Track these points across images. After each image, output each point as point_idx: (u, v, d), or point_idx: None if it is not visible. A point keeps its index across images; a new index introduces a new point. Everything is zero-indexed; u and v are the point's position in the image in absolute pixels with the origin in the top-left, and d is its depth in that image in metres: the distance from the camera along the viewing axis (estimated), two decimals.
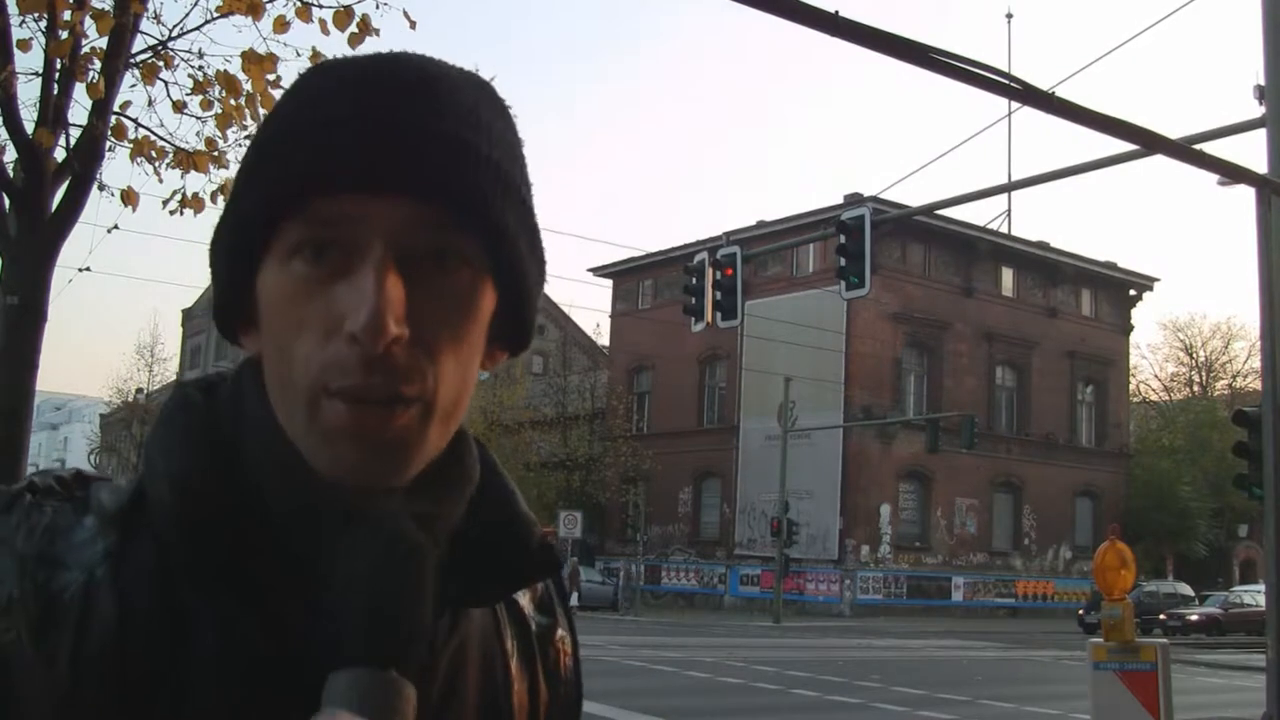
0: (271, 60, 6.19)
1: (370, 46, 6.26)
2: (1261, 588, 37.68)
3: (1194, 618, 35.99)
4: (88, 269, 7.63)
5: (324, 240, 0.74)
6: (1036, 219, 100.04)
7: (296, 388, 0.75)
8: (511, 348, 0.86)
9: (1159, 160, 9.75)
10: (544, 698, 0.94)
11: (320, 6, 6.18)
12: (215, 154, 6.61)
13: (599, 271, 49.77)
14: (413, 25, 6.38)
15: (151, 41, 6.55)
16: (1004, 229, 41.13)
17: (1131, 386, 53.30)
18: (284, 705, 0.72)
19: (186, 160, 6.57)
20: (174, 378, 55.10)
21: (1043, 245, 45.39)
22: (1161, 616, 36.15)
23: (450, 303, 0.77)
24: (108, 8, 5.93)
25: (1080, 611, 37.95)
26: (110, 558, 0.76)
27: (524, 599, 0.96)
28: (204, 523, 0.76)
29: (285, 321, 0.75)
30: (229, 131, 6.54)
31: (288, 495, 0.77)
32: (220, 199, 6.60)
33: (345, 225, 0.74)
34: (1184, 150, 9.02)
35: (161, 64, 6.57)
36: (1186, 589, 40.55)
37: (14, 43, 5.86)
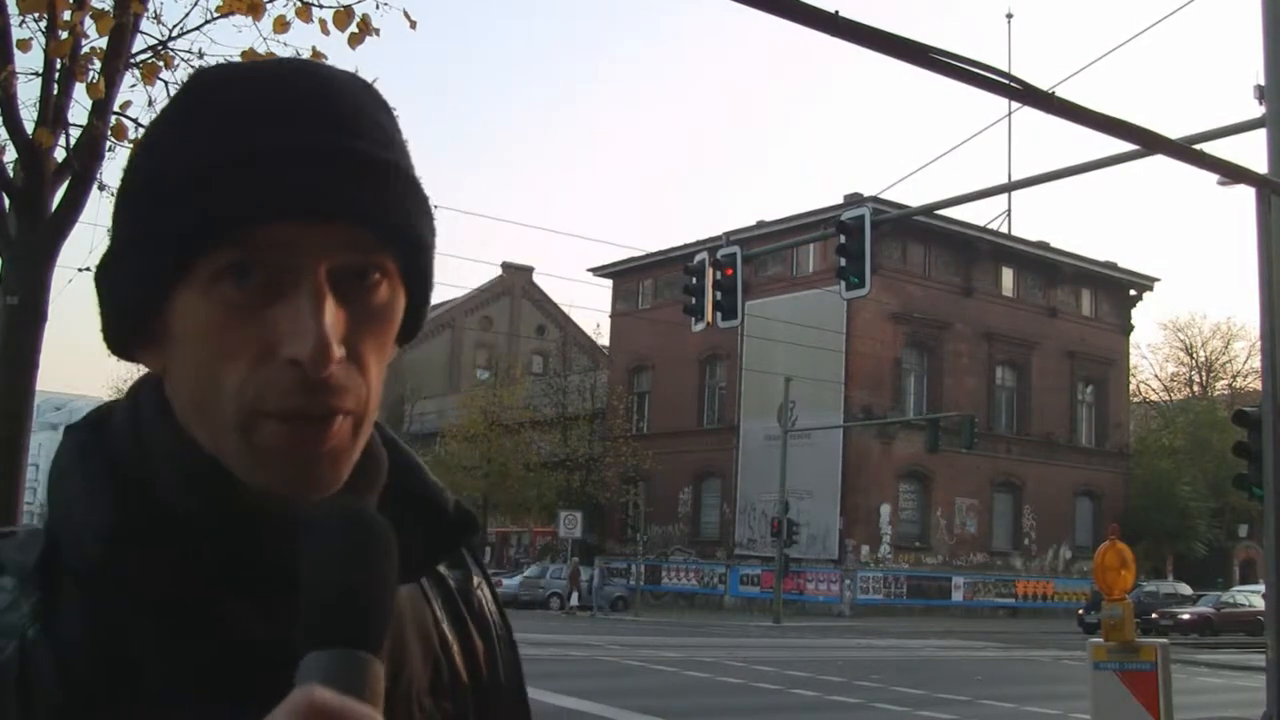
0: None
1: (370, 46, 6.28)
2: (1256, 588, 37.76)
3: (1185, 617, 35.88)
4: (88, 269, 7.57)
5: (253, 265, 0.75)
6: (1036, 219, 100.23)
7: (225, 411, 0.75)
8: (405, 339, 0.87)
9: (1159, 160, 9.75)
10: (480, 648, 0.97)
11: (320, 6, 6.17)
12: None
13: (599, 271, 49.79)
14: (413, 25, 6.37)
15: (151, 41, 6.55)
16: (1004, 229, 41.14)
17: (1131, 386, 53.32)
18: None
19: None
20: None
21: (1043, 245, 45.41)
22: (1153, 616, 36.13)
23: (374, 316, 0.79)
24: (108, 8, 5.92)
25: (1080, 611, 37.91)
26: (39, 617, 0.75)
27: None
28: (133, 563, 0.75)
29: (209, 347, 0.75)
30: None
31: (220, 517, 0.77)
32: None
33: (277, 251, 0.74)
34: (1184, 150, 9.02)
35: (161, 64, 6.57)
36: (1186, 589, 40.52)
37: (14, 43, 5.86)
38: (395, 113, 0.83)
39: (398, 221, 0.78)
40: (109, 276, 0.81)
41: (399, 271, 0.80)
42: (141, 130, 6.45)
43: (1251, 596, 38.85)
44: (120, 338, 0.82)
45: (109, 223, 0.83)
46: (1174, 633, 33.60)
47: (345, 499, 0.78)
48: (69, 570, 0.77)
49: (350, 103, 0.79)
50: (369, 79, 0.84)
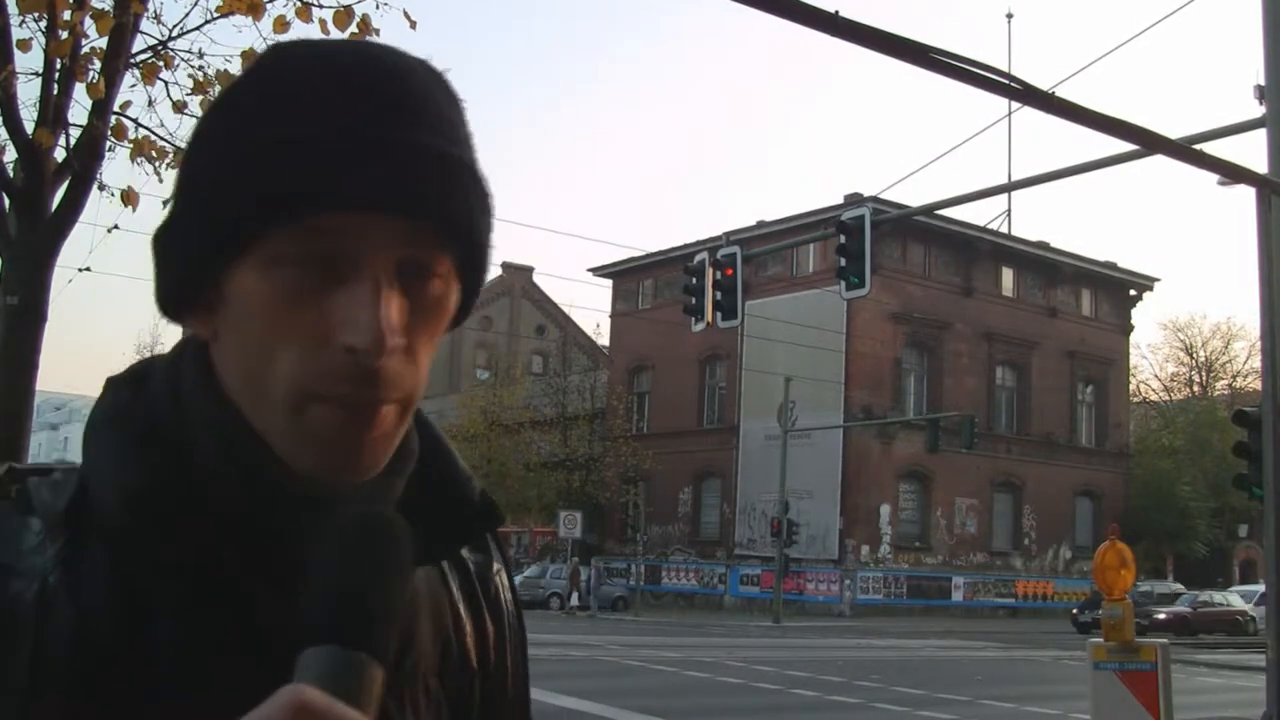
0: None
1: None
2: (1245, 589, 37.34)
3: (1161, 616, 35.35)
4: (88, 269, 7.59)
5: (318, 251, 0.75)
6: (1036, 219, 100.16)
7: (276, 391, 0.76)
8: (451, 326, 0.87)
9: (1159, 160, 9.75)
10: (491, 632, 0.98)
11: (320, 6, 6.18)
12: None
13: (599, 271, 49.78)
14: (413, 25, 6.38)
15: (151, 41, 6.55)
16: (1004, 229, 41.14)
17: (1131, 386, 53.32)
18: (257, 698, 0.72)
19: None
20: None
21: (1043, 245, 45.41)
22: (1097, 615, 35.63)
23: (429, 309, 0.80)
24: (108, 8, 5.92)
25: (1075, 611, 37.67)
26: (62, 563, 0.76)
27: None
28: (159, 525, 0.76)
29: (265, 326, 0.76)
30: None
31: (252, 490, 0.78)
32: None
33: (343, 239, 0.75)
34: (1184, 150, 9.02)
35: (161, 64, 6.57)
36: (1181, 589, 40.36)
37: (14, 43, 5.86)
38: (463, 104, 0.84)
39: (461, 219, 0.79)
40: (168, 240, 0.80)
41: (455, 265, 0.81)
42: (142, 130, 6.46)
43: (1230, 596, 38.43)
44: (171, 301, 0.82)
45: (172, 185, 0.83)
46: (1150, 633, 33.37)
47: (364, 499, 0.78)
48: (95, 520, 0.77)
49: (424, 94, 0.79)
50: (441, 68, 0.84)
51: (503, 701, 0.98)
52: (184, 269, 0.79)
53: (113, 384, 0.85)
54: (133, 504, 0.76)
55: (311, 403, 0.75)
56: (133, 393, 0.83)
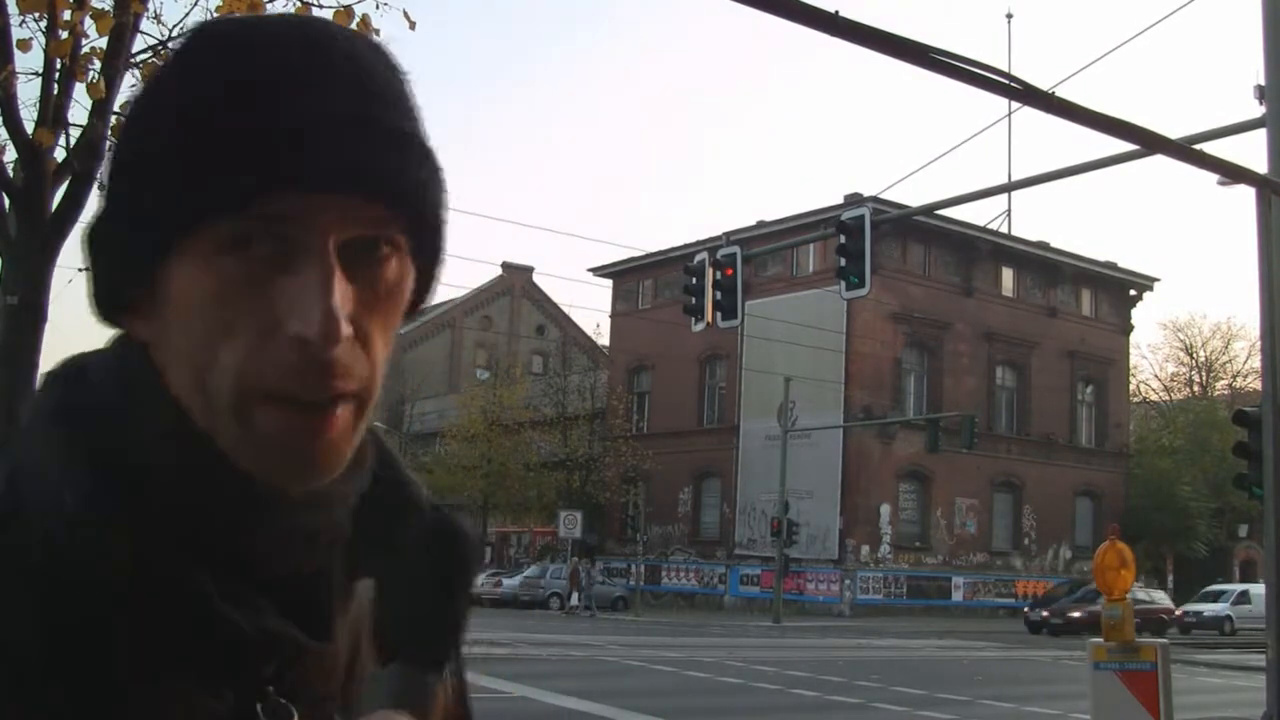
0: None
1: None
2: (1159, 593, 36.45)
3: (1076, 614, 33.92)
4: (88, 269, 7.58)
5: (254, 235, 0.71)
6: (1036, 219, 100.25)
7: (221, 390, 0.71)
8: (410, 314, 0.83)
9: (1159, 160, 9.76)
10: None
11: (320, 7, 6.19)
12: None
13: (599, 271, 49.79)
14: (412, 25, 6.39)
15: (151, 41, 6.57)
16: (1004, 229, 41.15)
17: (1131, 386, 53.34)
18: (207, 708, 0.68)
19: None
20: None
21: (1043, 245, 45.42)
22: (1044, 614, 35.05)
23: (382, 292, 0.75)
24: (108, 8, 5.93)
25: (1026, 610, 36.66)
26: None
27: None
28: (111, 539, 0.69)
29: (209, 320, 0.71)
30: None
31: (203, 493, 0.73)
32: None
33: (284, 222, 0.71)
34: (1184, 150, 9.03)
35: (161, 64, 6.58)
36: (1162, 595, 39.83)
37: (14, 43, 5.86)
38: (407, 75, 0.79)
39: (410, 194, 0.75)
40: (102, 237, 0.76)
41: (408, 244, 0.77)
42: None
43: (1155, 594, 37.29)
44: (110, 303, 0.77)
45: (104, 174, 0.78)
46: (1063, 635, 32.47)
47: (321, 501, 0.75)
48: (32, 523, 0.70)
49: (366, 67, 0.75)
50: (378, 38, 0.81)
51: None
52: (121, 264, 0.75)
53: (51, 379, 0.79)
54: (84, 503, 0.70)
55: (259, 403, 0.71)
56: (69, 390, 0.77)
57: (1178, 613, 37.74)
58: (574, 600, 37.67)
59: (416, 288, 0.80)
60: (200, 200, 0.70)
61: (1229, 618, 38.81)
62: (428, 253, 0.79)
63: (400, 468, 0.86)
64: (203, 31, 0.76)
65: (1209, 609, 38.80)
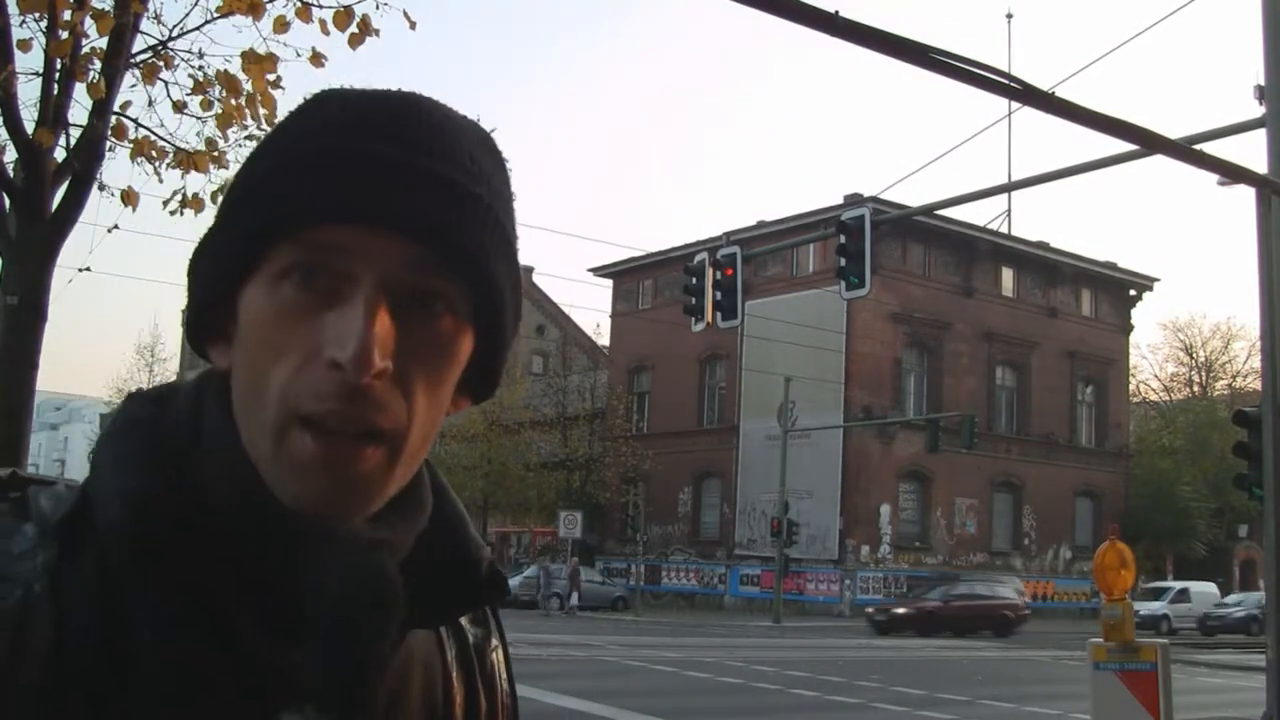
0: (271, 60, 6.19)
1: (370, 47, 6.27)
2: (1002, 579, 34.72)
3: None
4: (88, 269, 7.57)
5: (315, 267, 0.75)
6: (1036, 219, 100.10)
7: (265, 412, 0.74)
8: (476, 396, 0.86)
9: (1159, 160, 9.75)
10: (483, 707, 0.96)
11: (320, 7, 6.18)
12: (215, 154, 6.60)
13: (599, 271, 49.78)
14: (413, 26, 6.38)
15: (151, 41, 6.55)
16: (1004, 229, 41.10)
17: (1131, 386, 53.32)
18: None
19: (187, 160, 6.56)
20: (174, 378, 55.02)
21: (1043, 245, 45.41)
22: (869, 610, 33.90)
23: (432, 346, 0.77)
24: (108, 8, 5.92)
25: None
26: (49, 574, 0.73)
27: None
28: (159, 544, 0.74)
29: (264, 344, 0.75)
30: (229, 132, 6.53)
31: (247, 519, 0.76)
32: (220, 199, 6.57)
33: (338, 255, 0.74)
34: (1184, 150, 9.02)
35: (161, 64, 6.57)
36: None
37: (14, 43, 5.85)
38: (508, 164, 0.83)
39: (469, 252, 0.77)
40: (197, 264, 0.81)
41: (471, 314, 0.79)
42: (142, 130, 6.47)
43: (999, 588, 36.08)
44: (197, 330, 0.82)
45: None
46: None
47: (365, 545, 0.76)
48: (91, 533, 0.76)
49: (444, 130, 0.78)
50: (489, 129, 0.84)
51: None
52: (207, 290, 0.80)
53: (132, 399, 0.84)
54: (133, 507, 0.74)
55: (296, 427, 0.73)
56: (151, 411, 0.82)
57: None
58: (574, 600, 37.52)
59: (480, 367, 0.83)
60: (262, 225, 0.75)
61: (1166, 616, 38.58)
62: (489, 320, 0.81)
63: (463, 526, 0.89)
64: (318, 93, 0.81)
65: (1146, 607, 38.21)
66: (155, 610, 0.74)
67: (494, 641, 1.00)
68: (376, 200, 0.74)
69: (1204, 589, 41.42)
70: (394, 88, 0.81)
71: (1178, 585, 41.79)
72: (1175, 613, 39.05)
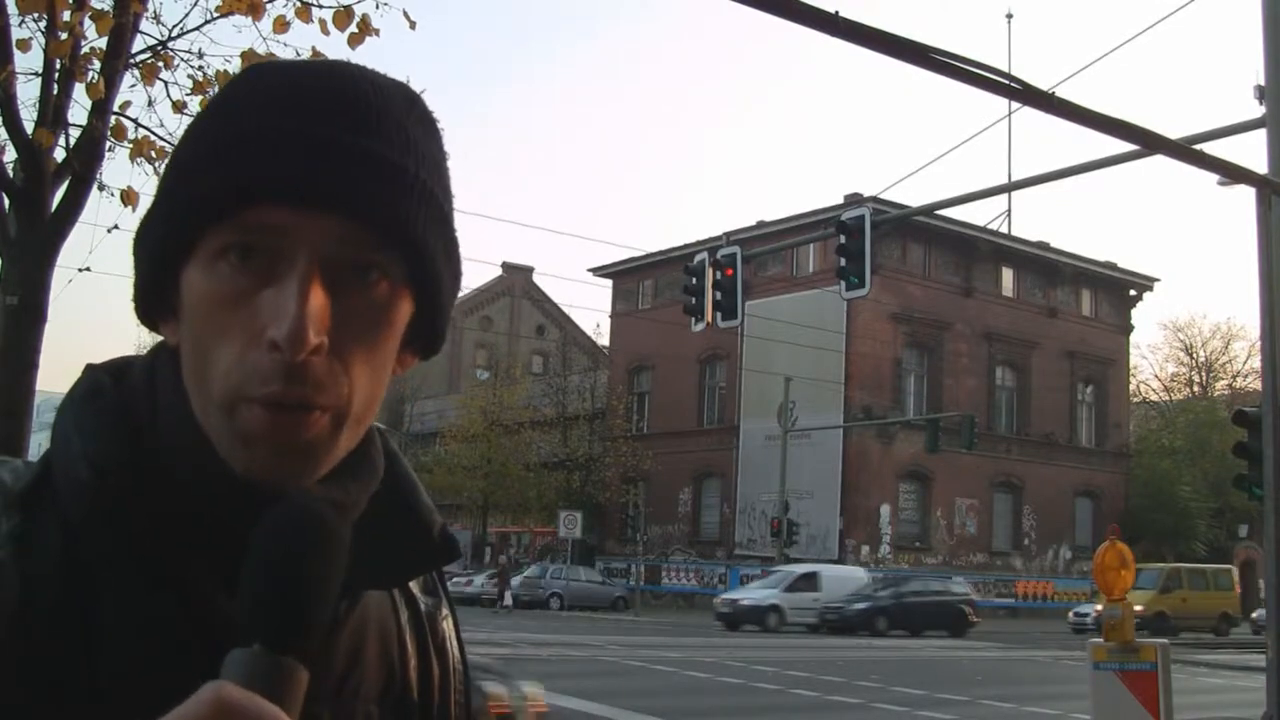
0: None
1: (370, 46, 6.27)
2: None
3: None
4: (88, 269, 7.57)
5: (250, 246, 0.76)
6: (1036, 219, 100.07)
7: (214, 390, 0.77)
8: (423, 352, 0.89)
9: (1159, 160, 9.76)
10: (435, 672, 0.98)
11: (320, 6, 6.18)
12: None
13: (599, 271, 49.80)
14: (412, 25, 6.37)
15: (151, 41, 6.55)
16: (1004, 229, 41.15)
17: (1131, 386, 53.33)
18: (193, 690, 0.71)
19: None
20: None
21: (1043, 245, 45.42)
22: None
23: (368, 315, 0.79)
24: (108, 8, 5.92)
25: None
26: (14, 540, 0.76)
27: (413, 582, 1.00)
28: (121, 502, 0.77)
29: (207, 324, 0.77)
30: None
31: (203, 483, 0.79)
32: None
33: (272, 235, 0.76)
34: (1184, 150, 9.03)
35: (161, 64, 6.57)
36: None
37: (14, 43, 5.86)
38: (439, 127, 0.85)
39: (395, 223, 0.78)
40: (139, 243, 0.83)
41: (407, 278, 0.81)
42: (141, 130, 6.46)
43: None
44: (147, 307, 0.84)
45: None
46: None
47: (310, 496, 0.77)
48: (56, 502, 0.79)
49: (376, 104, 0.80)
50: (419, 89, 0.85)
51: None
52: (149, 269, 0.82)
53: (92, 369, 0.87)
54: (96, 470, 0.77)
55: (243, 403, 0.76)
56: (110, 380, 0.85)
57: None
58: (508, 600, 36.89)
59: (422, 326, 0.85)
60: (197, 207, 0.77)
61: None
62: (425, 288, 0.83)
63: (415, 492, 0.91)
64: (247, 68, 0.83)
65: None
66: (116, 565, 0.77)
67: (444, 611, 1.02)
68: (308, 181, 0.75)
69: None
70: (324, 58, 0.83)
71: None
72: None
